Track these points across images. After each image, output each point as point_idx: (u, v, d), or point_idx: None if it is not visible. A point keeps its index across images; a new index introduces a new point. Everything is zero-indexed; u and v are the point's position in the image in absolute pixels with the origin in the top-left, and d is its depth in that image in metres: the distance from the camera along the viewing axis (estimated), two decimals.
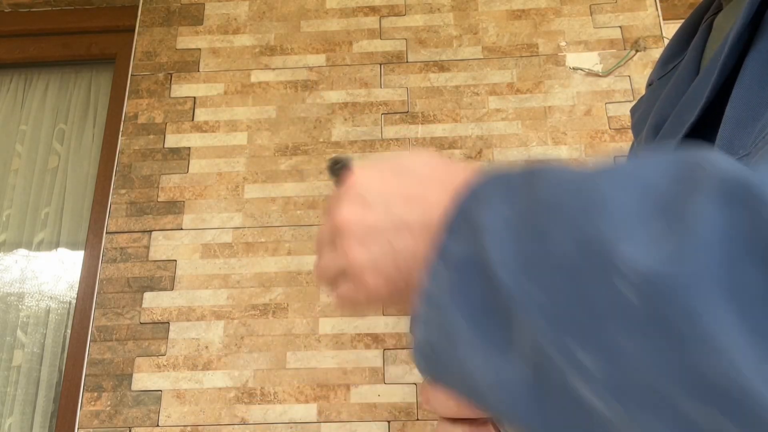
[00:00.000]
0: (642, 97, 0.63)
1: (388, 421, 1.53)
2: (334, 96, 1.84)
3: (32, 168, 2.01)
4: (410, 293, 0.32)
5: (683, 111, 0.46)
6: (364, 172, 0.35)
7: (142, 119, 1.85)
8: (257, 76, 1.88)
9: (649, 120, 0.54)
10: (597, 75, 1.81)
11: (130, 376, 1.59)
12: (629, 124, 1.76)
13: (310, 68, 1.88)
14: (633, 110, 0.63)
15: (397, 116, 1.81)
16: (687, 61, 0.54)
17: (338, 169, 0.37)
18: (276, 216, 1.72)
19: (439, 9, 1.93)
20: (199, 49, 1.92)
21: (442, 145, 1.77)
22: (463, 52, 1.87)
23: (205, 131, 1.82)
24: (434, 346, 0.30)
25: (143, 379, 1.59)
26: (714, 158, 0.24)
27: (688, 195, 0.22)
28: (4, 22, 2.08)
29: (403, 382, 1.56)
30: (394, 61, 1.88)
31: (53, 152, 2.03)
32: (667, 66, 0.59)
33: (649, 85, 0.62)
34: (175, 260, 1.69)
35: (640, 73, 1.80)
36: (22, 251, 1.93)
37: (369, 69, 1.87)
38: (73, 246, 1.92)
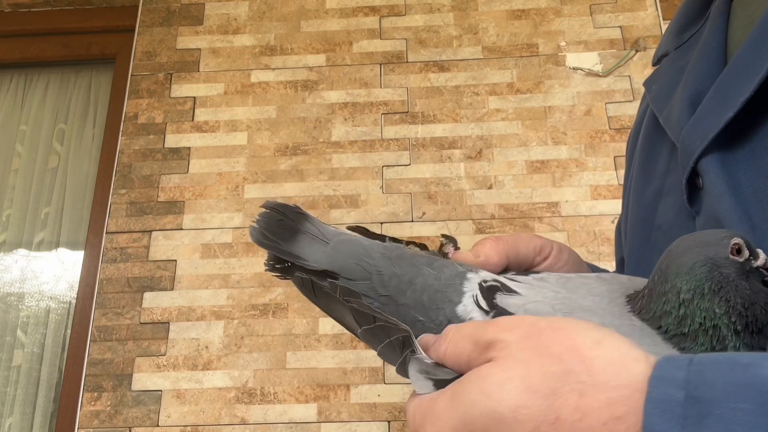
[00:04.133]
0: (659, 69, 0.58)
1: (388, 421, 1.53)
2: (334, 96, 1.84)
3: (32, 168, 2.01)
4: None
5: (728, 84, 0.43)
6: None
7: (142, 119, 1.85)
8: (257, 76, 1.88)
9: (680, 92, 0.49)
10: (597, 75, 1.81)
11: (130, 376, 1.59)
12: (630, 124, 1.75)
13: (310, 68, 1.88)
14: (650, 82, 0.58)
15: (397, 116, 1.81)
16: (712, 29, 0.50)
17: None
18: None
19: (439, 9, 1.93)
20: (199, 49, 1.92)
21: (442, 145, 1.77)
22: (463, 52, 1.87)
23: (205, 131, 1.82)
24: None
25: (143, 379, 1.59)
26: None
27: None
28: (4, 22, 2.08)
29: (403, 382, 1.56)
30: (394, 61, 1.88)
31: (53, 152, 2.03)
32: (682, 35, 0.55)
33: (664, 56, 0.58)
34: (175, 260, 1.69)
35: (640, 73, 1.80)
36: (22, 251, 1.93)
37: (369, 69, 1.87)
38: (73, 246, 1.92)
